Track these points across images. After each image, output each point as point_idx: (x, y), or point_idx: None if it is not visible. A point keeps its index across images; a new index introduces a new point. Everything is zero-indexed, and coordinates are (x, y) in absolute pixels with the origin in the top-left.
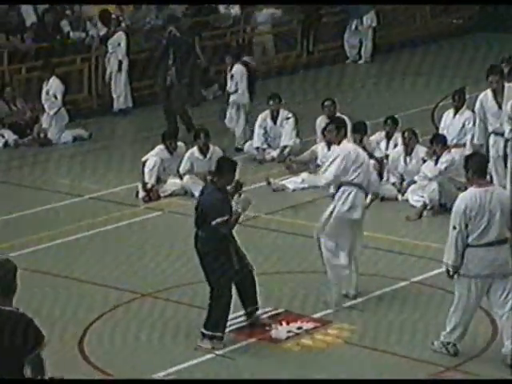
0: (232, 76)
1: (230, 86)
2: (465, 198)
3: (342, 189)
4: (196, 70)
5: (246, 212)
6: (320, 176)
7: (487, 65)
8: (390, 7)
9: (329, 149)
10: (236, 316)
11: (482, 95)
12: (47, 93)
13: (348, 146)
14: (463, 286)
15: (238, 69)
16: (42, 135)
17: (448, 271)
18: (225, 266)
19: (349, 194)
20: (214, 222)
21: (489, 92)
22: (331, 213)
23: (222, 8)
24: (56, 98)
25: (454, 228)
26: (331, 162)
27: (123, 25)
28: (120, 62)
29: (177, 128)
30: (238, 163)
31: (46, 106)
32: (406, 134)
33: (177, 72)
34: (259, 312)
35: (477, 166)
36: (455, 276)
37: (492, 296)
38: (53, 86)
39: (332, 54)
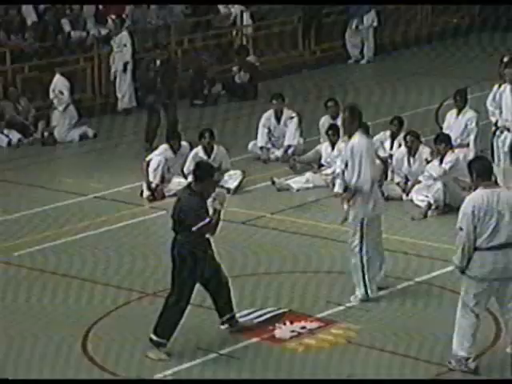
0: (54, 90)
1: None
2: (472, 199)
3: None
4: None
5: (224, 206)
6: (359, 182)
7: (490, 64)
8: (391, 6)
9: (333, 149)
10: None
11: (497, 87)
12: (53, 91)
13: (364, 140)
14: (471, 288)
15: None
16: (46, 134)
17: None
18: (192, 275)
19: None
20: (195, 228)
21: (508, 86)
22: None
23: (221, 8)
24: (62, 93)
25: (461, 229)
26: (360, 165)
27: (126, 24)
28: (125, 63)
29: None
30: (215, 169)
31: (54, 103)
32: (408, 137)
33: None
34: (240, 319)
35: (480, 169)
36: (463, 277)
37: (500, 300)
38: (57, 83)
39: (334, 54)
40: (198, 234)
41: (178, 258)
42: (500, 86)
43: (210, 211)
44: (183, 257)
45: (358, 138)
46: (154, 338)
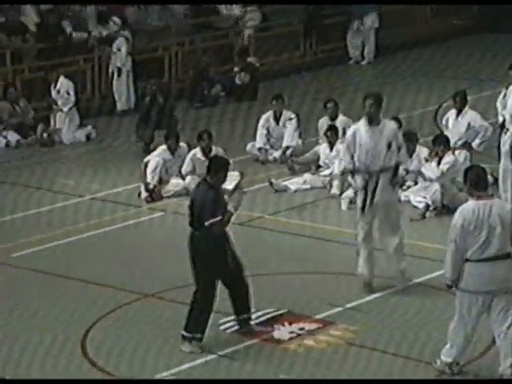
0: (59, 91)
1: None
2: (463, 211)
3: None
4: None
5: (237, 211)
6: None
7: (491, 65)
8: (392, 8)
9: (331, 150)
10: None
11: (505, 88)
12: (58, 92)
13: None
14: (464, 300)
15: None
16: (45, 135)
17: (447, 284)
18: (215, 268)
19: None
20: (207, 223)
21: None
22: None
23: (223, 9)
24: (69, 93)
25: (451, 241)
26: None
27: (125, 27)
28: (119, 69)
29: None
30: (230, 162)
31: (59, 104)
32: (405, 137)
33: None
34: (252, 322)
35: (476, 179)
36: (456, 290)
37: (492, 313)
38: (63, 84)
39: (335, 55)
40: (213, 228)
41: (197, 254)
42: (508, 88)
43: (229, 206)
44: (205, 254)
45: (390, 122)
46: (186, 334)
